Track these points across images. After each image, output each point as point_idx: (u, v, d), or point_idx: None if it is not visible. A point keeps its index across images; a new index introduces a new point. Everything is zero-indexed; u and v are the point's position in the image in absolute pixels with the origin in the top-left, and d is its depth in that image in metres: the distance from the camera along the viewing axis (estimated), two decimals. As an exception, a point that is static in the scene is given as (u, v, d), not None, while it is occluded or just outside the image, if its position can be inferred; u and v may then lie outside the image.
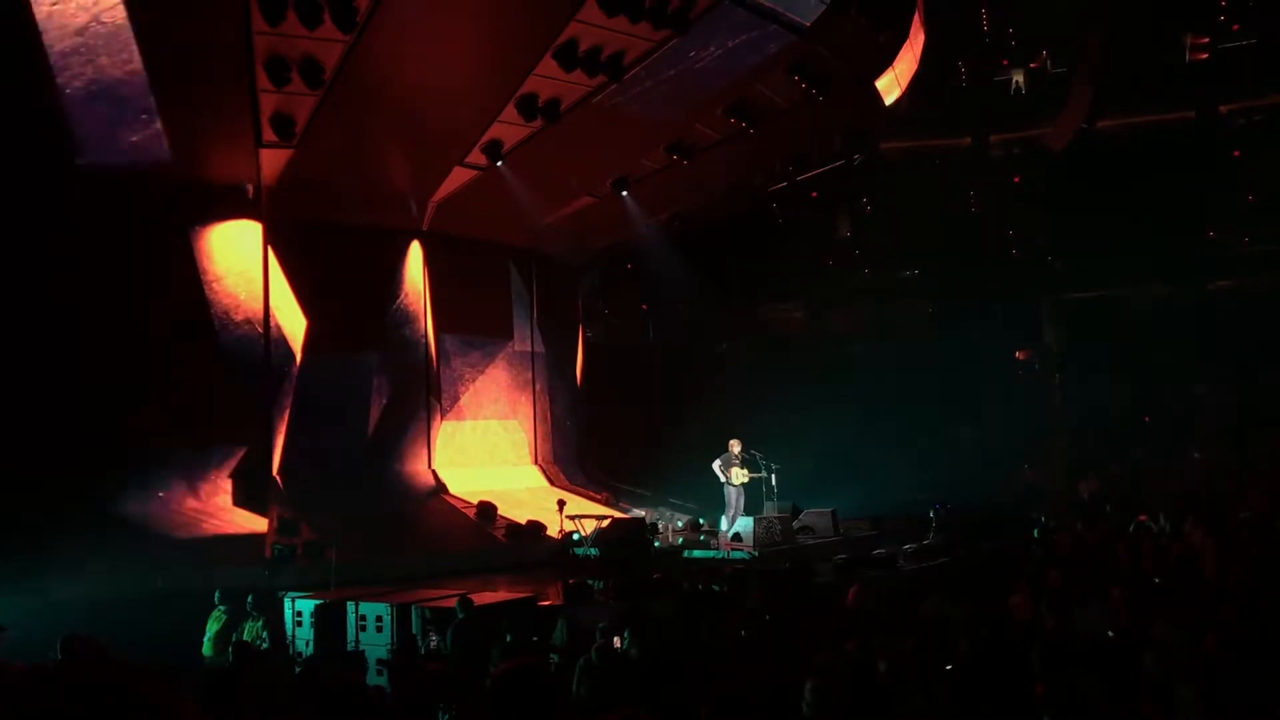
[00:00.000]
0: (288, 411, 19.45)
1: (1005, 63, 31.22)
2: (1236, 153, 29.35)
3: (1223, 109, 29.24)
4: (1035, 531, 17.56)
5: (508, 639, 10.04)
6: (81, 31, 14.75)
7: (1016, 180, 31.85)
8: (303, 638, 13.20)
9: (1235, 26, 28.66)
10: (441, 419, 21.78)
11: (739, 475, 18.94)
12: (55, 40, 14.83)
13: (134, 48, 15.07)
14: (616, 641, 8.92)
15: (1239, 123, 29.29)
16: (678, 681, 7.62)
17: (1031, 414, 30.40)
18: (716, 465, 18.98)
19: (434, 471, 21.30)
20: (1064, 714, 6.18)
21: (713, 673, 7.47)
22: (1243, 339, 28.11)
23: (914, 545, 16.95)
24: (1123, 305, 30.86)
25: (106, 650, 7.77)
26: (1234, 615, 8.41)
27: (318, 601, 13.32)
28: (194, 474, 18.38)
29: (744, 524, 17.54)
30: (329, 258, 19.90)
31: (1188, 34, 28.04)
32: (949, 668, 7.57)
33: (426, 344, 21.57)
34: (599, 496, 23.12)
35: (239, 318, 19.01)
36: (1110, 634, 9.11)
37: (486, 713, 3.04)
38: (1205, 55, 28.32)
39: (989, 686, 7.20)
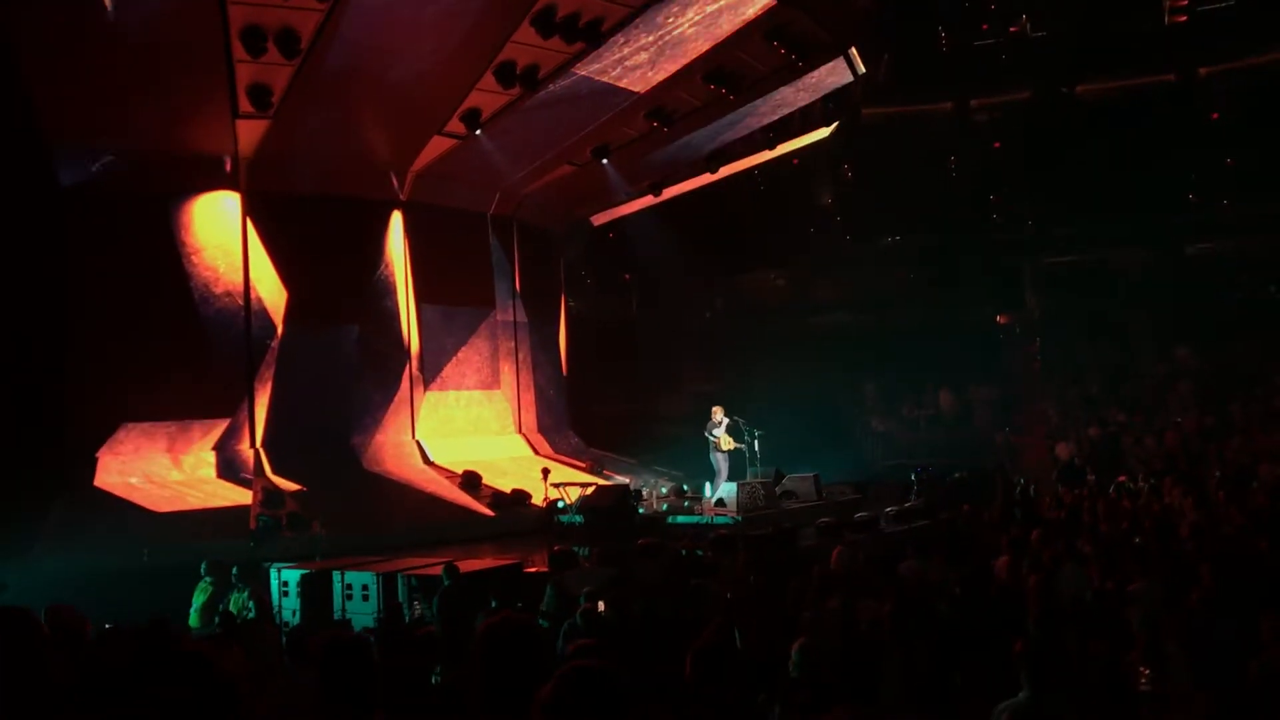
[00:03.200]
0: (270, 384, 19.40)
1: (985, 26, 31.22)
2: (1215, 115, 29.44)
3: (1202, 72, 29.28)
4: (1016, 493, 17.74)
5: (492, 604, 10.10)
6: (54, 1, 14.60)
7: (997, 145, 31.91)
8: (289, 608, 13.25)
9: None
10: (424, 389, 21.76)
11: (726, 441, 19.14)
12: (28, 10, 14.67)
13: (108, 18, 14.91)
14: (601, 606, 8.98)
15: (1218, 85, 29.34)
16: (663, 643, 7.69)
17: (1012, 378, 30.59)
18: (717, 431, 19.16)
19: (418, 442, 21.29)
20: (1044, 669, 6.25)
21: (698, 633, 7.53)
22: (1222, 301, 28.34)
23: (896, 508, 17.08)
24: (1103, 269, 30.99)
25: (87, 621, 7.83)
26: (1210, 572, 8.52)
27: (303, 572, 13.36)
28: (177, 447, 18.35)
29: (727, 489, 17.64)
30: (309, 229, 19.80)
31: (1167, -4, 28.07)
32: (930, 626, 7.67)
33: (408, 314, 21.52)
34: (583, 464, 23.17)
35: (219, 290, 18.94)
36: (1090, 592, 9.24)
37: (473, 667, 3.07)
38: (1184, 18, 28.38)
39: (969, 644, 7.30)
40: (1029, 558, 10.53)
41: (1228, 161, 29.83)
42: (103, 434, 17.70)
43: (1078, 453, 24.74)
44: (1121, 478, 19.58)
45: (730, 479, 18.57)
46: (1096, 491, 18.29)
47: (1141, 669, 6.66)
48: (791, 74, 20.62)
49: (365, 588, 12.77)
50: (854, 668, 6.82)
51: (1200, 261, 30.32)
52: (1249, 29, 27.77)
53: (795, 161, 29.56)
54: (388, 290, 21.20)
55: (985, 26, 31.54)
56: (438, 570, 11.98)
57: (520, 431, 23.87)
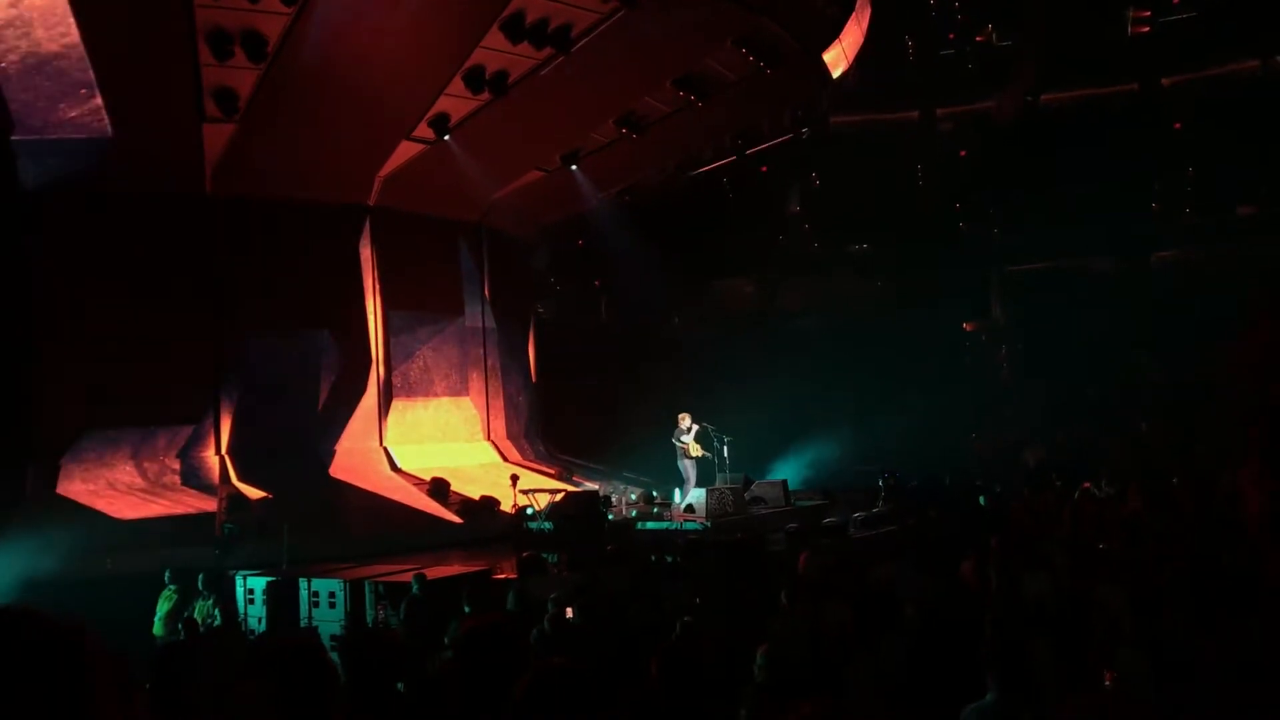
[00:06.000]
0: (236, 390, 19.24)
1: (952, 36, 31.51)
2: (1178, 125, 29.81)
3: (1165, 81, 29.65)
4: (982, 499, 17.83)
5: (466, 610, 10.06)
6: (15, 4, 14.43)
7: (963, 154, 32.16)
8: (255, 615, 13.13)
9: (1176, 0, 29.10)
10: (392, 396, 21.65)
11: (694, 448, 19.12)
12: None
13: (70, 20, 14.75)
14: (569, 612, 8.97)
15: (1181, 95, 29.73)
16: (631, 648, 7.68)
17: (979, 385, 30.78)
18: (685, 438, 19.11)
19: (386, 449, 21.18)
20: (1010, 672, 6.29)
21: (666, 637, 7.54)
22: (1186, 309, 28.64)
23: (863, 514, 17.14)
24: (1068, 277, 31.26)
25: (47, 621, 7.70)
26: (1174, 578, 8.60)
27: (269, 579, 13.25)
28: (142, 453, 18.17)
29: (696, 495, 17.65)
30: (276, 234, 19.65)
31: (1130, 7, 28.44)
32: (897, 629, 7.69)
33: (376, 320, 21.40)
34: (552, 471, 23.12)
35: (185, 295, 18.72)
36: (1054, 596, 9.29)
37: (453, 668, 3.06)
38: (1147, 28, 28.75)
39: (937, 650, 7.32)
40: (995, 562, 10.58)
41: (1190, 170, 30.21)
42: (66, 440, 17.51)
43: (1045, 459, 24.90)
44: (1086, 484, 19.71)
45: (698, 484, 18.59)
46: (1063, 497, 18.41)
47: (1105, 671, 6.71)
48: (760, 81, 20.70)
49: (332, 595, 12.67)
50: (821, 671, 6.83)
51: (1164, 269, 30.65)
52: (1211, 40, 28.16)
53: (764, 169, 29.67)
54: (356, 296, 21.08)
55: (952, 36, 31.82)
56: (405, 578, 11.91)
57: (489, 438, 23.79)
